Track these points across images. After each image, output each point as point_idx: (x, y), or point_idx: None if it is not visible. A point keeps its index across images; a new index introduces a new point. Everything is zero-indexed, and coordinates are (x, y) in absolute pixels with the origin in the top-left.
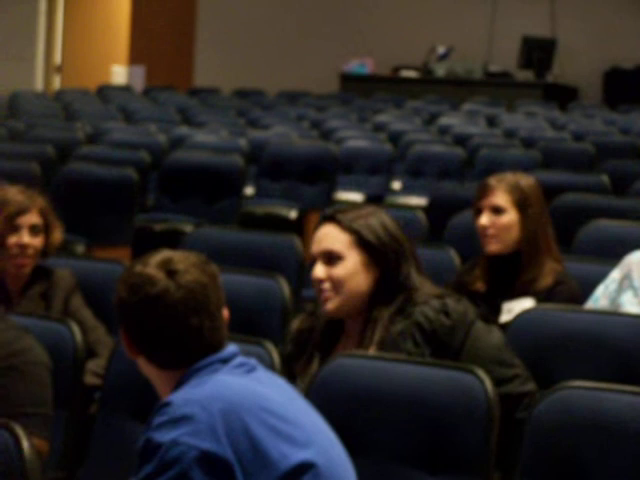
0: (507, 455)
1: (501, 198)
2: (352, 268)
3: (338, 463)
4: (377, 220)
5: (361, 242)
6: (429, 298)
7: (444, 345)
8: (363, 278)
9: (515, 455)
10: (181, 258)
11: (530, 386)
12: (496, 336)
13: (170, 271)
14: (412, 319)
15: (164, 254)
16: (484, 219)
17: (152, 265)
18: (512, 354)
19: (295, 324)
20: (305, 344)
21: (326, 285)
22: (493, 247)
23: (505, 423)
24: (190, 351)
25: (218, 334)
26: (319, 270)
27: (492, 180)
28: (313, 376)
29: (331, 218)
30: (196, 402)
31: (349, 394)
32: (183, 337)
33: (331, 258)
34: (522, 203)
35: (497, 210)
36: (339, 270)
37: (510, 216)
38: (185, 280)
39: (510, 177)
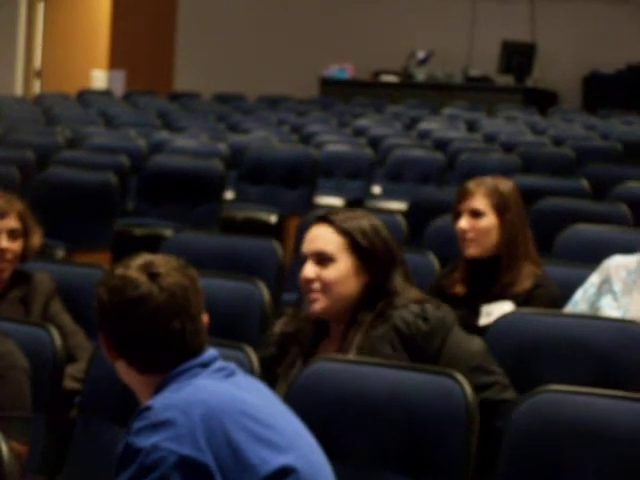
0: (485, 462)
1: (480, 202)
2: (343, 271)
3: (318, 468)
4: (369, 224)
5: (354, 246)
6: (409, 303)
7: (421, 350)
8: (353, 282)
9: (494, 460)
10: (162, 261)
11: (509, 394)
12: (476, 343)
13: (152, 274)
14: (391, 323)
15: (145, 257)
16: (463, 222)
17: (133, 268)
18: (492, 361)
19: (278, 327)
20: (288, 347)
21: (315, 286)
22: (472, 251)
23: (483, 431)
24: (171, 355)
25: (199, 338)
26: (309, 270)
27: (471, 184)
28: (293, 380)
29: (324, 219)
30: (176, 407)
31: (329, 398)
32: (165, 340)
33: (323, 259)
34: (501, 207)
35: (476, 214)
36: (330, 272)
37: (489, 220)
38: (167, 283)
39: (489, 181)
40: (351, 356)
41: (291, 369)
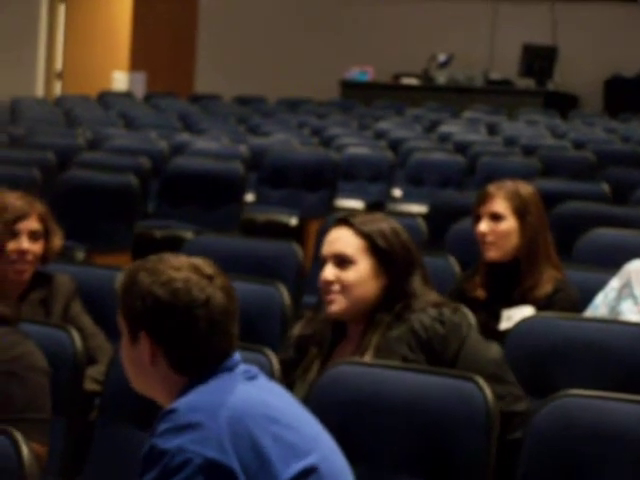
0: (499, 473)
1: (500, 205)
2: (363, 273)
3: (339, 469)
4: (389, 227)
5: (374, 248)
6: (426, 306)
7: (438, 354)
8: (372, 284)
9: (509, 470)
10: (202, 262)
11: (522, 406)
12: (494, 351)
13: (207, 276)
14: (408, 325)
15: (183, 258)
16: (483, 226)
17: (186, 269)
18: (508, 370)
19: (296, 330)
20: (306, 349)
21: (335, 287)
22: (492, 254)
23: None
24: (209, 356)
25: (232, 342)
26: (329, 272)
27: (491, 187)
28: (312, 383)
29: (344, 221)
30: (202, 410)
31: (348, 401)
32: (211, 342)
33: (342, 261)
34: (521, 210)
35: (496, 217)
36: (350, 274)
37: (509, 223)
38: (221, 284)
39: (509, 185)
40: (368, 357)
41: (308, 372)
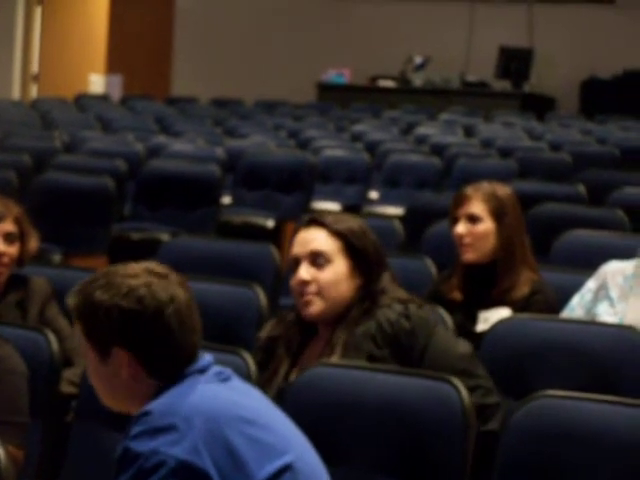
0: (475, 466)
1: (477, 207)
2: (339, 273)
3: (314, 468)
4: (359, 226)
5: (349, 248)
6: (392, 302)
7: (405, 349)
8: (347, 284)
9: (484, 464)
10: (151, 264)
11: (493, 399)
12: (462, 345)
13: (163, 275)
14: (374, 321)
15: (128, 265)
16: (460, 227)
17: (142, 273)
18: (478, 364)
19: (264, 332)
20: (273, 351)
21: (311, 288)
22: (469, 256)
23: None
24: (179, 360)
25: (200, 335)
26: (305, 272)
27: (468, 189)
28: (280, 385)
29: (316, 222)
30: (176, 412)
31: (324, 403)
32: (186, 337)
33: (319, 261)
34: (498, 212)
35: (473, 219)
36: (327, 274)
37: (486, 225)
38: (177, 280)
39: (486, 186)
40: (337, 355)
41: (276, 374)
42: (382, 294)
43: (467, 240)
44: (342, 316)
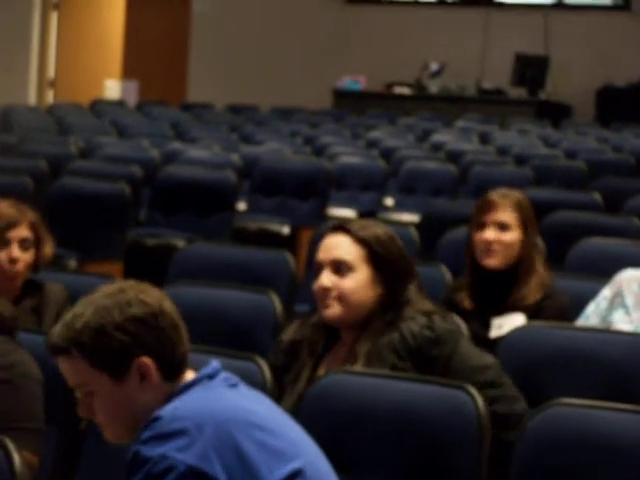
0: (495, 475)
1: (507, 215)
2: (361, 281)
3: (325, 475)
4: (385, 234)
5: (372, 256)
6: (416, 314)
7: (428, 360)
8: (368, 292)
9: (504, 473)
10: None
11: (518, 407)
12: (486, 357)
13: (143, 289)
14: (398, 333)
15: (108, 286)
16: (489, 234)
17: (127, 288)
18: (503, 374)
19: (287, 335)
20: (297, 354)
21: (332, 294)
22: (494, 262)
23: (494, 444)
24: (184, 359)
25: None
26: (326, 279)
27: (495, 196)
28: (303, 390)
29: (341, 228)
30: (186, 417)
31: (339, 411)
32: (182, 343)
33: (341, 268)
34: (525, 222)
35: (503, 226)
36: (348, 282)
37: (514, 234)
38: (158, 292)
39: (514, 194)
40: (359, 364)
41: (299, 377)
42: (407, 305)
43: (495, 247)
44: (364, 323)
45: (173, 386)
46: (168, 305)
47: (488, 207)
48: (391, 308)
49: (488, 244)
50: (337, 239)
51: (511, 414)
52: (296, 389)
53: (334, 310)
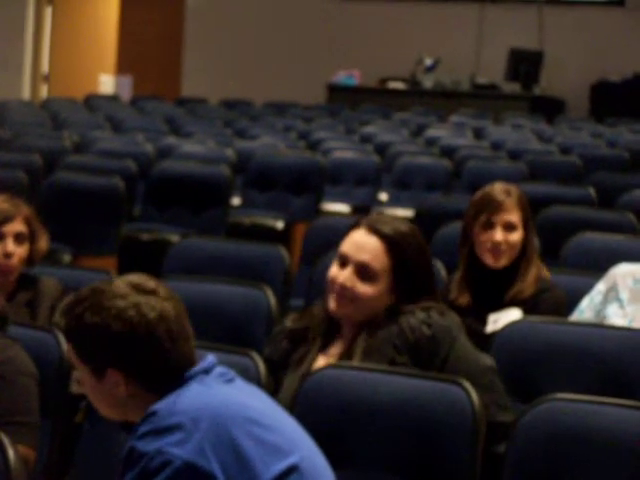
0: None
1: (515, 216)
2: (380, 291)
3: (320, 469)
4: (419, 247)
5: (399, 269)
6: (415, 309)
7: (425, 356)
8: (382, 300)
9: (497, 469)
10: (140, 278)
11: (507, 417)
12: (484, 358)
13: (151, 291)
14: (396, 327)
15: (116, 283)
16: (499, 235)
17: (130, 293)
18: (497, 381)
19: (289, 322)
20: (300, 342)
21: (346, 293)
22: (502, 262)
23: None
24: (179, 362)
25: (193, 339)
26: (347, 278)
27: (501, 195)
28: (304, 375)
29: (377, 231)
30: (182, 412)
31: (335, 405)
32: (179, 348)
33: (366, 273)
34: (527, 219)
35: (510, 227)
36: (368, 289)
37: (519, 233)
38: (165, 295)
39: (514, 191)
40: (357, 358)
41: (303, 361)
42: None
43: (503, 247)
44: (368, 322)
45: (163, 390)
46: (170, 309)
47: (495, 207)
48: (396, 308)
49: (496, 245)
50: (370, 241)
51: (498, 422)
52: (300, 370)
53: (344, 309)
